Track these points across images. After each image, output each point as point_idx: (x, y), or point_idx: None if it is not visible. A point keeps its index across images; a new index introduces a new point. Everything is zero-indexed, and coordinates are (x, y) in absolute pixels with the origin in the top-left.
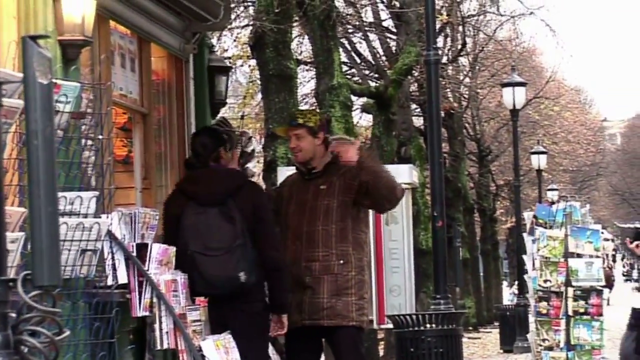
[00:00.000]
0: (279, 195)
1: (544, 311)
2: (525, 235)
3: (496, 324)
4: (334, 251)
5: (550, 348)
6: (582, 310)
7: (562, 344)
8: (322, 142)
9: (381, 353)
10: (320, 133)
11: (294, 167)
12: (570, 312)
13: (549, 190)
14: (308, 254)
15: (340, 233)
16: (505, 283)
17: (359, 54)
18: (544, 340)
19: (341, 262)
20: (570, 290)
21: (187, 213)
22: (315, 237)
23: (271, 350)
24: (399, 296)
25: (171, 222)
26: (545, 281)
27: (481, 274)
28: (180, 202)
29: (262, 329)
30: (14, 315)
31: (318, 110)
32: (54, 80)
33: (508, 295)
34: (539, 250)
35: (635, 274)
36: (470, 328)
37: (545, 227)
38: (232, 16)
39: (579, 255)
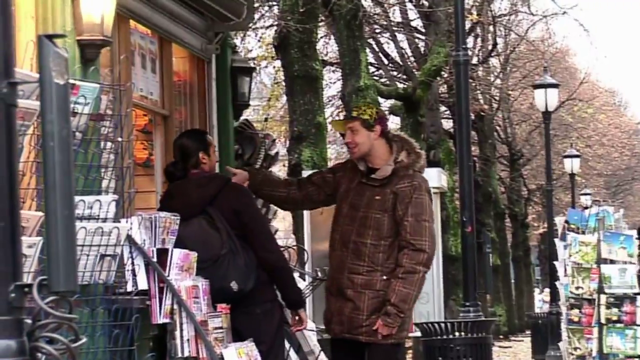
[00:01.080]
0: (334, 179)
1: (576, 319)
2: (556, 240)
3: (528, 332)
4: (379, 268)
5: (582, 357)
6: (615, 318)
7: (594, 353)
8: (380, 136)
9: None
10: (376, 126)
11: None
12: (602, 320)
13: (582, 194)
14: (352, 265)
15: (389, 249)
16: (537, 290)
17: (387, 55)
18: (575, 349)
19: (384, 278)
20: (603, 298)
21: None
22: (362, 250)
23: (295, 359)
24: (428, 304)
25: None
26: (577, 288)
27: (512, 281)
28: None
29: (271, 328)
30: (29, 321)
31: (374, 105)
32: (72, 82)
33: (537, 302)
34: (570, 256)
35: None
36: (501, 337)
37: (578, 233)
38: (256, 16)
39: (612, 262)
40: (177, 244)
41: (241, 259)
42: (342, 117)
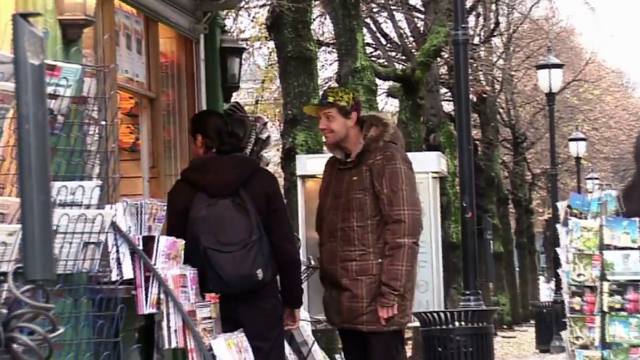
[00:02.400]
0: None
1: (578, 307)
2: (558, 226)
3: (532, 322)
4: (371, 249)
5: (584, 346)
6: (618, 306)
7: (597, 342)
8: (356, 124)
9: (409, 353)
10: (352, 113)
11: (315, 155)
12: (605, 308)
13: (589, 179)
14: (344, 253)
15: (377, 229)
16: (542, 278)
17: (385, 35)
18: (577, 338)
19: (379, 261)
20: (606, 285)
21: (196, 205)
22: (350, 234)
23: (288, 350)
24: (427, 292)
25: (177, 216)
26: (578, 275)
27: (516, 268)
28: (187, 193)
29: (277, 325)
30: (4, 311)
31: (350, 89)
32: (54, 63)
33: (546, 290)
34: (572, 242)
35: None
36: (505, 326)
37: (580, 218)
38: None
39: (615, 248)
40: (201, 226)
41: (266, 247)
42: (316, 102)
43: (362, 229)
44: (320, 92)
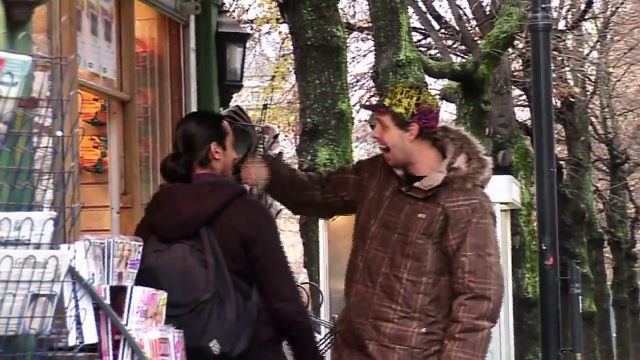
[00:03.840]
0: (358, 182)
1: None
2: None
3: None
4: (416, 315)
5: None
6: None
7: None
8: (418, 138)
9: None
10: (412, 125)
11: None
12: None
13: None
14: (381, 307)
15: (431, 290)
16: None
17: (438, 17)
18: None
19: (423, 331)
20: None
21: (144, 252)
22: (396, 287)
23: None
24: None
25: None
26: None
27: (613, 334)
28: (145, 235)
29: None
30: None
31: (424, 91)
32: None
33: None
34: None
35: None
36: None
37: None
38: None
39: None
40: (147, 279)
41: (232, 309)
42: (373, 101)
43: (413, 286)
44: (351, 93)
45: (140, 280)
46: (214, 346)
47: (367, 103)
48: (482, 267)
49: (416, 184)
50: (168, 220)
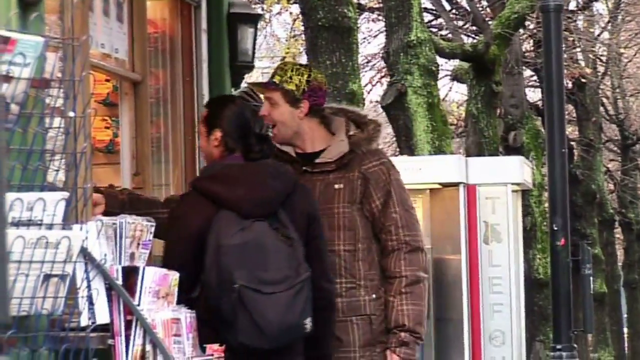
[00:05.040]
0: None
1: None
2: None
3: None
4: (362, 282)
5: None
6: None
7: None
8: (308, 115)
9: None
10: (303, 102)
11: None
12: None
13: None
14: None
15: (368, 256)
16: None
17: None
18: None
19: (373, 297)
20: None
21: (225, 228)
22: (335, 261)
23: None
24: (503, 346)
25: (192, 242)
26: None
27: (624, 315)
28: (205, 211)
29: None
30: None
31: (314, 69)
32: (6, 34)
33: None
34: None
35: None
36: None
37: None
38: None
39: None
40: (238, 255)
41: (310, 289)
42: (261, 80)
43: (351, 255)
44: (362, 74)
45: (227, 257)
46: (308, 324)
47: (258, 80)
48: (412, 221)
49: (320, 160)
50: (254, 196)
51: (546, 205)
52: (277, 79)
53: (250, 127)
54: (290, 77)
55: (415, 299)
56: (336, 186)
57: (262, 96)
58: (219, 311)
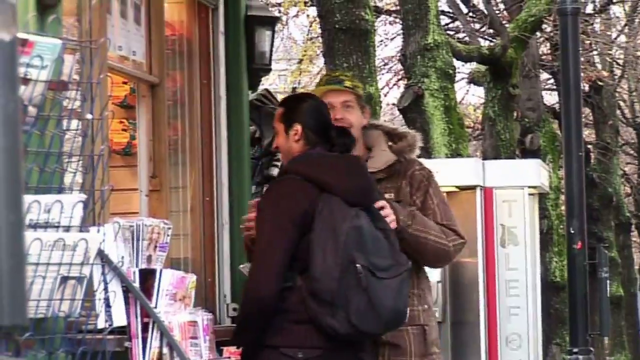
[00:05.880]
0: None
1: None
2: None
3: None
4: (415, 291)
5: None
6: None
7: None
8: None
9: None
10: (366, 108)
11: None
12: None
13: None
14: None
15: (417, 266)
16: None
17: (466, 1)
18: None
19: (425, 307)
20: None
21: (338, 212)
22: None
23: None
24: (520, 349)
25: (298, 223)
26: None
27: None
28: (311, 194)
29: None
30: None
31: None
32: (24, 36)
33: None
34: None
35: None
36: None
37: None
38: None
39: None
40: (356, 238)
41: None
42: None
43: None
44: (379, 77)
45: (349, 239)
46: (408, 313)
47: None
48: (450, 214)
49: (370, 169)
50: (359, 185)
51: (563, 208)
52: (348, 83)
53: (329, 120)
54: (357, 84)
55: (429, 234)
56: (387, 196)
57: (329, 100)
58: (330, 292)
